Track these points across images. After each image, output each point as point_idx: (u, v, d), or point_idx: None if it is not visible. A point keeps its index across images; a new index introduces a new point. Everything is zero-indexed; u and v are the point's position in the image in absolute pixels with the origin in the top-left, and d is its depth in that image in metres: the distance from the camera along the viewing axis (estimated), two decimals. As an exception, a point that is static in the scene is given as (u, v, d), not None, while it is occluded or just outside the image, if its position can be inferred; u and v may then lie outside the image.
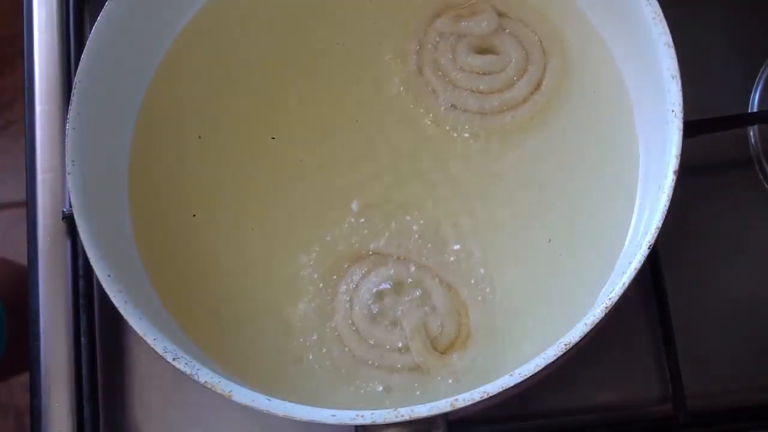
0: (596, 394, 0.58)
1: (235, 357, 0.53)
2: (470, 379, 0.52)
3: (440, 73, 0.58)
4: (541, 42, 0.58)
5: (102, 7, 0.53)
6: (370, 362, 0.53)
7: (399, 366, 0.53)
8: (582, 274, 0.54)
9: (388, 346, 0.53)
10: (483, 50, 0.58)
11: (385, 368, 0.53)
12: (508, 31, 0.58)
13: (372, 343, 0.54)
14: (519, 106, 0.57)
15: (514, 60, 0.58)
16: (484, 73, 0.58)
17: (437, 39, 0.59)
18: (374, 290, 0.54)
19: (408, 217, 0.56)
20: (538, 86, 0.57)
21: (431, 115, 0.58)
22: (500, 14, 0.58)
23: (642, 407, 0.58)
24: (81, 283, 0.60)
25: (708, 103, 0.60)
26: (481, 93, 0.58)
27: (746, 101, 0.62)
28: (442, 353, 0.53)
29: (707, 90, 0.61)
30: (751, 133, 0.61)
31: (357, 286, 0.54)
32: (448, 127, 0.57)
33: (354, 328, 0.54)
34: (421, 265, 0.55)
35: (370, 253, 0.55)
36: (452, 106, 0.58)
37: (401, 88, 0.58)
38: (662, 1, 0.50)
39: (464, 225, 0.56)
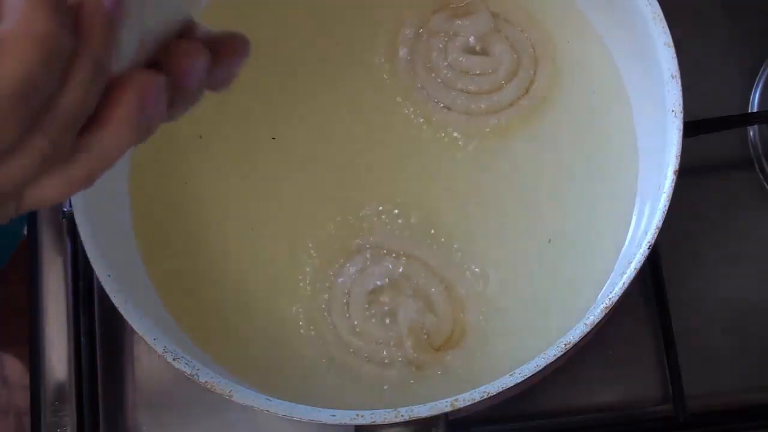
0: (596, 394, 0.58)
1: (235, 356, 0.53)
2: (466, 377, 0.52)
3: (431, 72, 0.58)
4: (533, 47, 0.58)
5: (102, 7, 0.53)
6: (366, 357, 0.53)
7: (394, 362, 0.53)
8: (582, 274, 0.54)
9: (383, 342, 0.54)
10: (476, 51, 0.58)
11: (381, 364, 0.53)
12: (502, 33, 0.58)
13: (368, 338, 0.54)
14: (504, 109, 0.57)
15: (504, 63, 0.58)
16: (474, 74, 0.58)
17: (431, 37, 0.59)
18: (371, 286, 0.54)
19: (407, 215, 0.56)
20: (527, 91, 0.57)
21: (424, 113, 0.57)
22: (495, 16, 0.58)
23: (642, 407, 0.58)
24: (81, 283, 0.60)
25: (708, 103, 0.60)
26: (470, 93, 0.58)
27: (746, 101, 0.62)
28: (437, 350, 0.53)
29: (707, 90, 0.61)
30: (751, 133, 0.61)
31: (354, 281, 0.55)
32: (440, 127, 0.57)
33: (351, 323, 0.54)
34: (419, 261, 0.55)
35: (368, 249, 0.55)
36: (442, 105, 0.58)
37: (397, 87, 0.58)
38: (662, 1, 0.50)
39: (463, 223, 0.56)
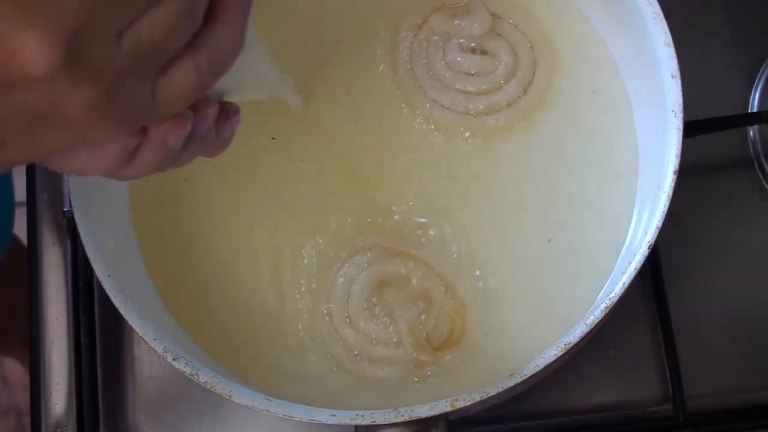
0: (596, 394, 0.58)
1: (236, 356, 0.53)
2: (467, 377, 0.52)
3: (430, 72, 0.58)
4: (532, 47, 0.58)
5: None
6: (366, 357, 0.53)
7: (394, 361, 0.53)
8: (582, 274, 0.54)
9: (383, 342, 0.54)
10: (475, 51, 0.58)
11: (381, 363, 0.53)
12: (501, 33, 0.58)
13: (368, 338, 0.54)
14: (503, 109, 0.57)
15: (503, 64, 0.58)
16: (473, 74, 0.58)
17: (430, 36, 0.59)
18: (371, 286, 0.54)
19: (406, 215, 0.56)
20: (525, 91, 0.57)
21: (423, 113, 0.57)
22: (494, 16, 0.58)
23: (642, 407, 0.58)
24: (81, 283, 0.60)
25: (708, 103, 0.60)
26: (469, 93, 0.58)
27: (746, 101, 0.62)
28: (437, 350, 0.53)
29: (707, 90, 0.61)
30: (751, 133, 0.61)
31: (354, 281, 0.55)
32: (439, 127, 0.57)
33: (351, 322, 0.54)
34: (419, 261, 0.55)
35: (368, 249, 0.55)
36: (441, 105, 0.58)
37: (396, 87, 0.58)
38: (662, 1, 0.50)
39: (462, 223, 0.56)
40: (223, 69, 0.35)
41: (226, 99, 0.41)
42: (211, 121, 0.38)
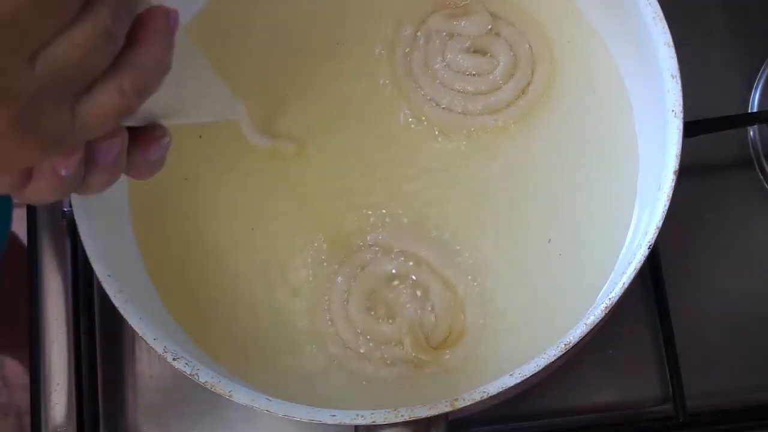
0: (596, 394, 0.58)
1: (235, 356, 0.53)
2: (466, 377, 0.52)
3: (429, 72, 0.58)
4: (531, 48, 0.58)
5: (102, 7, 0.53)
6: (365, 357, 0.53)
7: (394, 361, 0.53)
8: (582, 274, 0.54)
9: (383, 341, 0.54)
10: (474, 51, 0.58)
11: (381, 363, 0.53)
12: (500, 34, 0.58)
13: (368, 337, 0.54)
14: (502, 110, 0.57)
15: (502, 64, 0.58)
16: (472, 74, 0.58)
17: (429, 36, 0.59)
18: (371, 285, 0.54)
19: (406, 214, 0.56)
20: (524, 92, 0.57)
21: (422, 113, 0.57)
22: (494, 16, 0.58)
23: (642, 407, 0.58)
24: (81, 283, 0.60)
25: (708, 103, 0.60)
26: (468, 94, 0.58)
27: (746, 101, 0.62)
28: (436, 349, 0.53)
29: (707, 90, 0.61)
30: (751, 133, 0.61)
31: (354, 280, 0.55)
32: (438, 127, 0.57)
33: (350, 322, 0.54)
34: (419, 260, 0.55)
35: (368, 248, 0.55)
36: (440, 105, 0.57)
37: (395, 87, 0.58)
38: (662, 1, 0.50)
39: (462, 223, 0.56)
40: (149, 90, 0.34)
41: (166, 122, 0.39)
42: (119, 150, 0.36)
